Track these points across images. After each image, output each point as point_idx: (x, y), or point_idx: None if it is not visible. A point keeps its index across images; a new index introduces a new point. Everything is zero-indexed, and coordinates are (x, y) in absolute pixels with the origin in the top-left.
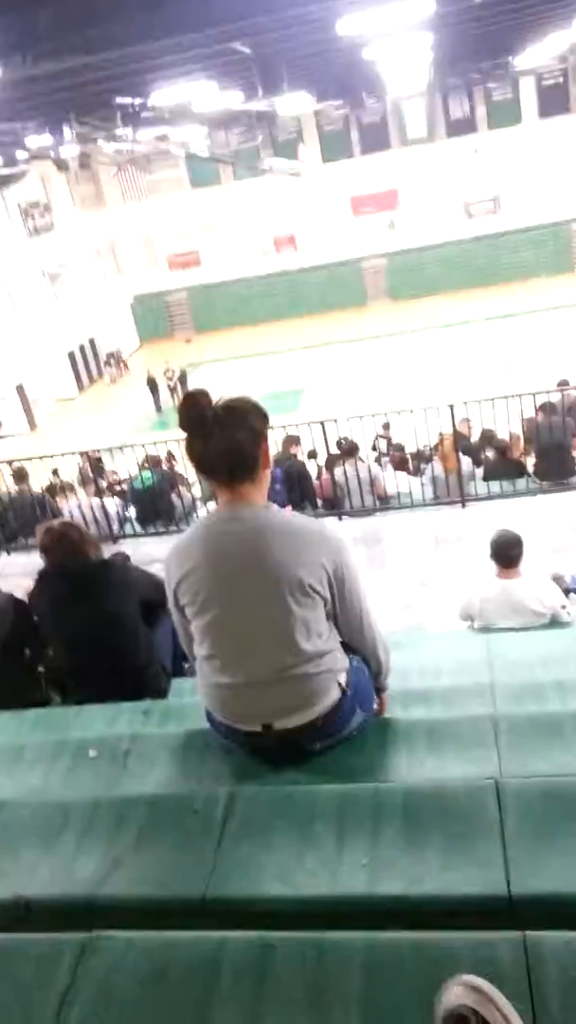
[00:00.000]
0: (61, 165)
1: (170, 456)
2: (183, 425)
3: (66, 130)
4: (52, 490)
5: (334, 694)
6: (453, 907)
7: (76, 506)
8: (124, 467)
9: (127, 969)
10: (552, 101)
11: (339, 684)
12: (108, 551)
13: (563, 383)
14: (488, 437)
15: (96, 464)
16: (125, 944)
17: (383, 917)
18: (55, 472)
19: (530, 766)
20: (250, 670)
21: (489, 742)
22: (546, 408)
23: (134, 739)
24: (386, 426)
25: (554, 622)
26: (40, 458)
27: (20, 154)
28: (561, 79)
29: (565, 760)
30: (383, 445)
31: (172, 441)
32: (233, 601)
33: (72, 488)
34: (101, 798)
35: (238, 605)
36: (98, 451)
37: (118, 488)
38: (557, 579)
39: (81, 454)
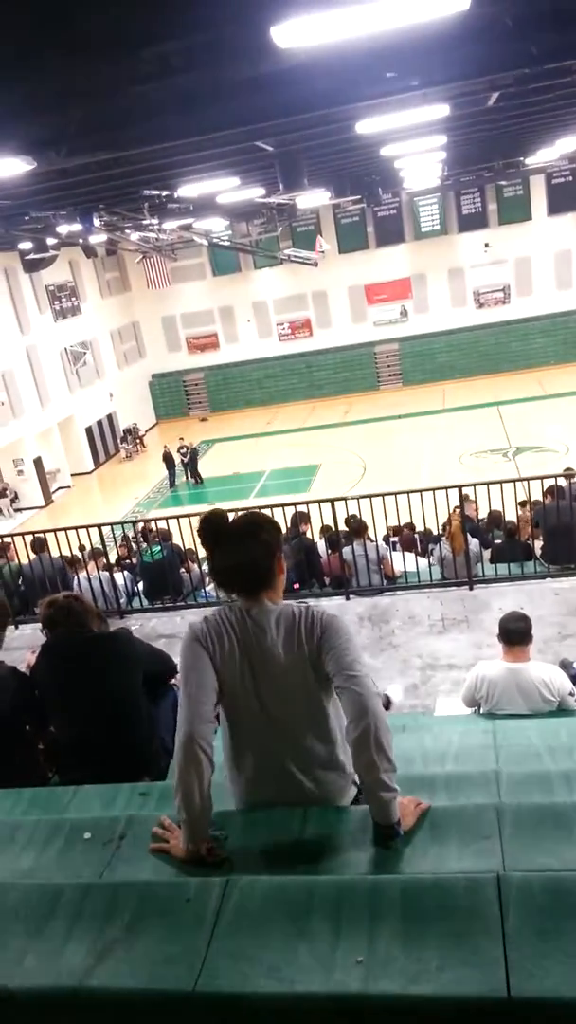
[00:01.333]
0: (89, 251)
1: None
2: (202, 541)
3: (95, 219)
4: (71, 562)
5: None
6: (451, 1008)
7: (85, 578)
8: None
9: None
10: (561, 198)
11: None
12: (115, 626)
13: (569, 471)
14: (495, 519)
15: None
16: None
17: (378, 1017)
18: (81, 548)
19: (534, 860)
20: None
21: (493, 833)
22: (554, 491)
23: (130, 822)
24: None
25: (562, 709)
26: (54, 531)
27: (50, 240)
28: (570, 177)
29: (571, 855)
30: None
31: (183, 517)
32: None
33: (83, 562)
34: (93, 883)
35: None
36: (111, 525)
37: (127, 562)
38: (565, 665)
39: (96, 527)
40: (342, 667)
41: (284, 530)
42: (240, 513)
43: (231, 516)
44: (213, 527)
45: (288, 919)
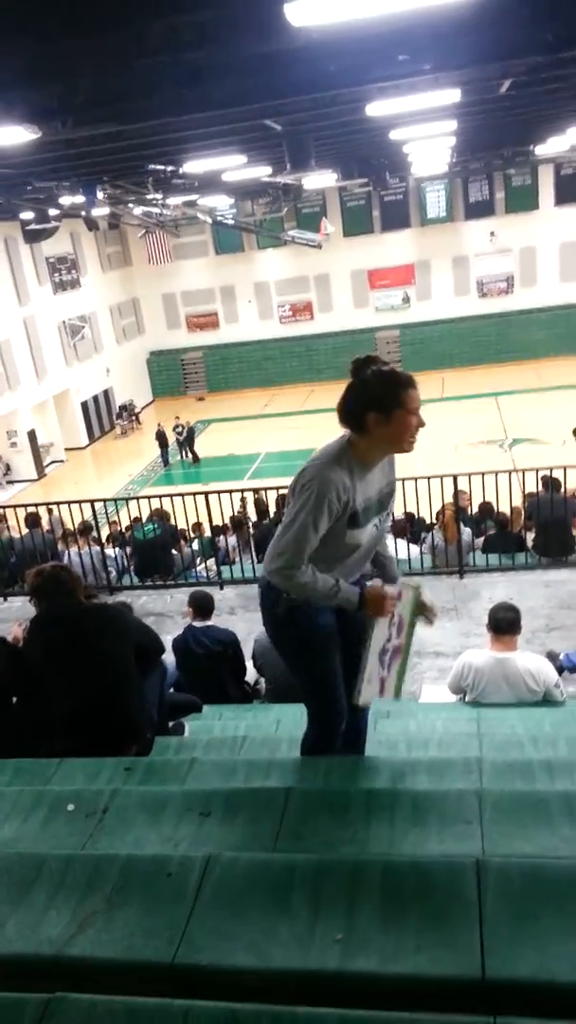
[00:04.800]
0: (91, 224)
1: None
2: None
3: (98, 191)
4: (64, 536)
5: None
6: (426, 988)
7: (76, 553)
8: (128, 518)
9: None
10: (569, 189)
11: None
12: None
13: (546, 478)
14: (487, 510)
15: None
16: (87, 1007)
17: (354, 995)
18: (84, 522)
19: (513, 846)
20: None
21: (473, 818)
22: (548, 484)
23: (114, 796)
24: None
25: (546, 700)
26: (46, 505)
27: (52, 211)
28: None
29: (549, 842)
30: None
31: (177, 496)
32: None
33: (75, 536)
34: (75, 854)
35: None
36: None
37: (119, 539)
38: (551, 657)
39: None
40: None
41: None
42: None
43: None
44: None
45: (269, 896)
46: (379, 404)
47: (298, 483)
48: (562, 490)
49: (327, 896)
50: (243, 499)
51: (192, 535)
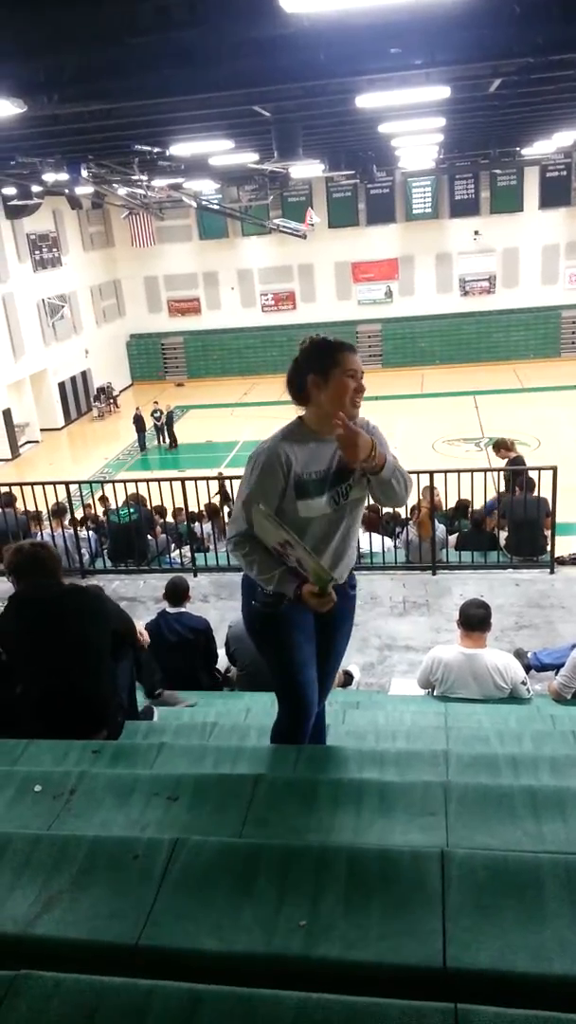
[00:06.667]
0: (74, 203)
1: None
2: None
3: (83, 170)
4: (37, 517)
5: None
6: (388, 975)
7: (48, 535)
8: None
9: (52, 1012)
10: (553, 192)
11: None
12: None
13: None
14: (463, 508)
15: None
16: (52, 986)
17: (316, 980)
18: (58, 503)
19: (477, 839)
20: None
21: (439, 810)
22: (522, 484)
23: (81, 778)
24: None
25: (513, 697)
26: (19, 485)
27: (35, 187)
28: (564, 172)
29: (512, 836)
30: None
31: (153, 481)
32: None
33: (48, 517)
34: (42, 835)
35: None
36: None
37: (94, 522)
38: (519, 655)
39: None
40: None
41: None
42: None
43: None
44: None
45: (234, 881)
46: (317, 366)
47: (248, 458)
48: (535, 491)
49: (292, 882)
50: (221, 483)
51: (173, 521)
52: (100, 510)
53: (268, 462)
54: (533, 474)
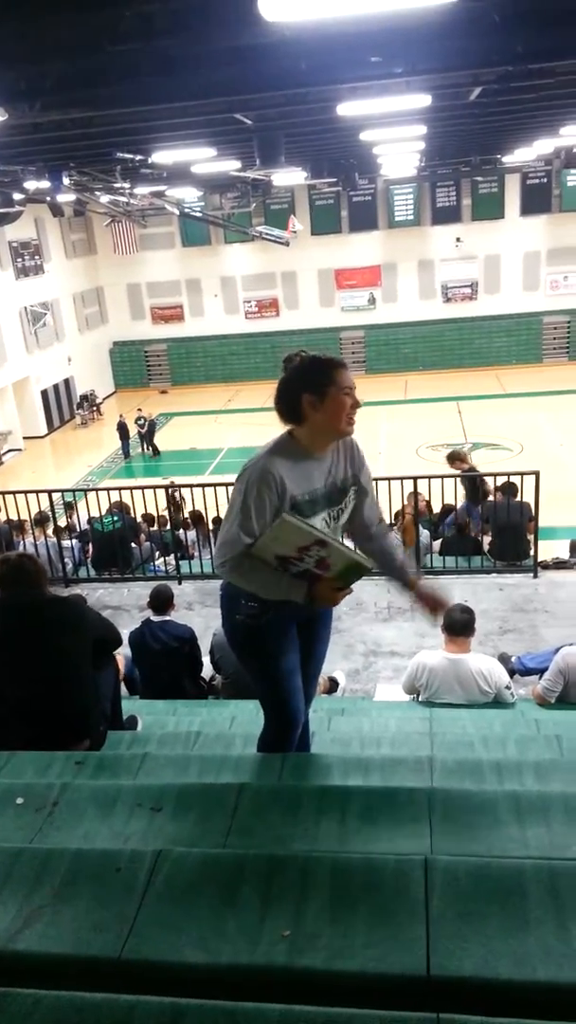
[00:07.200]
0: (56, 210)
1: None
2: None
3: (65, 178)
4: (19, 526)
5: None
6: (372, 985)
7: (31, 543)
8: (87, 510)
9: None
10: (534, 200)
11: None
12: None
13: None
14: (446, 512)
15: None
16: (32, 1003)
17: (301, 991)
18: (40, 512)
19: (461, 845)
20: None
21: (423, 817)
22: (505, 489)
23: (64, 790)
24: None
25: (497, 701)
26: (2, 494)
27: (16, 195)
28: (545, 179)
29: (496, 842)
30: None
31: (137, 489)
32: None
33: (31, 526)
34: (24, 848)
35: None
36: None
37: (78, 531)
38: (504, 659)
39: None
40: None
41: None
42: None
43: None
44: None
45: (218, 891)
46: (312, 384)
47: (238, 477)
48: (518, 496)
49: (276, 892)
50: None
51: (158, 529)
52: (76, 519)
53: (262, 480)
54: (516, 479)
